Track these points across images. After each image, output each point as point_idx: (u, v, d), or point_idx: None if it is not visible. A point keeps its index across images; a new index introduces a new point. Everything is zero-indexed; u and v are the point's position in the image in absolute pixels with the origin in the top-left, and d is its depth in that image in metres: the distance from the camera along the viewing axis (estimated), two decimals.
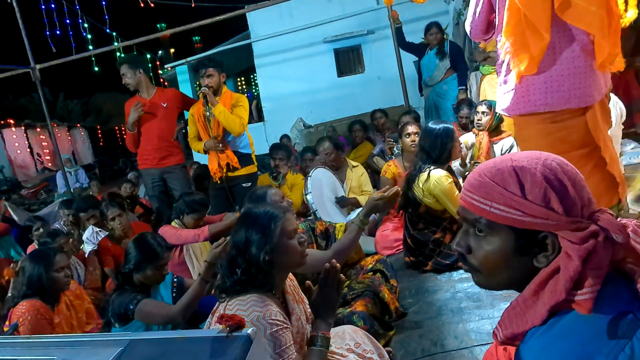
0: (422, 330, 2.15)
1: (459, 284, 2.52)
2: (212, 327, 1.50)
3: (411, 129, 3.52)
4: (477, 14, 2.17)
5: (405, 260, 2.96)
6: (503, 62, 2.16)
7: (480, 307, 2.20)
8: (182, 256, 3.34)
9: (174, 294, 2.51)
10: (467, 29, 2.28)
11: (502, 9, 2.07)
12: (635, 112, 3.76)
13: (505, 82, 2.16)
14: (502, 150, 3.79)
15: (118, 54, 8.48)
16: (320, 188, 3.47)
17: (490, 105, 3.73)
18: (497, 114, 3.82)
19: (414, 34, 6.14)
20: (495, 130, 3.84)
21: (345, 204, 3.65)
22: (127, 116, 3.99)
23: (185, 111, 4.31)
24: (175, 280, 2.58)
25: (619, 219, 0.83)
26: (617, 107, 3.13)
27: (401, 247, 3.18)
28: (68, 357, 0.76)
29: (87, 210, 4.24)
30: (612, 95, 3.02)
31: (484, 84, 4.65)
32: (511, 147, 3.74)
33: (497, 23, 2.19)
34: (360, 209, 3.47)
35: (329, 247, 2.44)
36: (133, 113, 3.89)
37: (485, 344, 1.88)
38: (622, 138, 3.57)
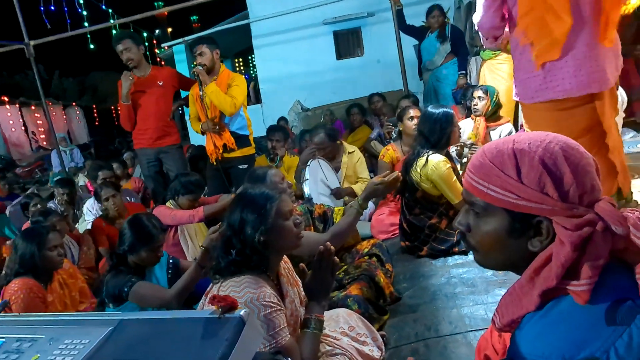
0: (416, 314, 2.15)
1: (454, 269, 2.52)
2: (205, 308, 1.49)
3: (413, 112, 3.48)
4: (488, 6, 2.12)
5: (401, 244, 2.96)
6: (517, 49, 2.13)
7: (475, 292, 2.20)
8: (177, 237, 3.33)
9: (170, 276, 2.50)
10: (477, 22, 2.23)
11: None
12: (634, 101, 3.73)
13: (520, 69, 2.14)
14: (500, 136, 3.77)
15: (114, 31, 8.35)
16: (316, 177, 3.44)
17: (487, 90, 3.69)
18: (495, 100, 3.79)
19: (415, 17, 6.05)
20: (492, 116, 3.81)
21: (340, 195, 3.62)
22: (120, 92, 3.94)
23: (182, 91, 4.26)
24: (170, 261, 2.57)
25: (620, 210, 0.81)
26: (619, 95, 3.10)
27: (397, 231, 3.17)
28: (56, 336, 0.75)
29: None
30: None
31: (484, 69, 4.60)
32: (509, 133, 3.72)
33: (509, 12, 2.15)
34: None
35: (326, 230, 2.43)
36: (125, 82, 3.82)
37: (479, 330, 1.88)
38: (622, 127, 3.55)
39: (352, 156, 3.87)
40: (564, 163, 0.81)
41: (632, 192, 2.47)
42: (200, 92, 3.68)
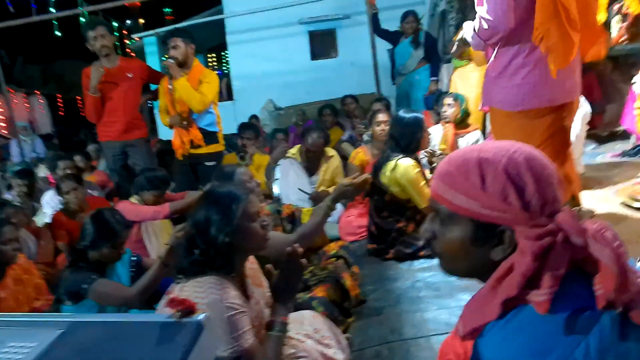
0: (381, 317, 2.16)
1: (420, 273, 2.54)
2: (162, 311, 1.45)
3: (381, 117, 3.51)
4: (504, 3, 2.01)
5: (368, 247, 2.97)
6: (504, 55, 2.13)
7: (439, 296, 2.22)
8: (140, 233, 3.24)
9: (132, 273, 2.43)
10: (491, 20, 2.05)
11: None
12: (595, 114, 3.86)
13: (502, 75, 2.14)
14: (467, 143, 3.84)
15: (82, 19, 8.10)
16: (287, 176, 3.42)
17: (457, 98, 3.76)
18: (464, 108, 3.85)
19: (389, 22, 6.09)
20: (461, 123, 3.88)
21: (319, 199, 3.58)
22: (84, 84, 3.82)
23: (151, 84, 4.17)
24: (133, 258, 2.50)
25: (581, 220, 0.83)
26: (583, 107, 3.21)
27: (365, 233, 3.18)
28: (0, 338, 0.70)
29: None
30: None
31: (455, 76, 4.67)
32: (476, 141, 3.79)
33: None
34: None
35: (294, 231, 2.41)
36: (94, 73, 3.71)
37: (442, 334, 1.90)
38: (584, 139, 3.67)
39: (332, 161, 3.84)
40: (527, 173, 0.82)
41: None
42: (170, 86, 3.61)
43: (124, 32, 12.99)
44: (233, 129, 9.99)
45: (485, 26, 2.06)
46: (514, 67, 2.11)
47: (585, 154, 3.75)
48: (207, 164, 3.78)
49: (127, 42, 13.29)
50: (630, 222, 2.49)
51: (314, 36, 10.07)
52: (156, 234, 3.22)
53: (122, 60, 3.95)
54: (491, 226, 0.84)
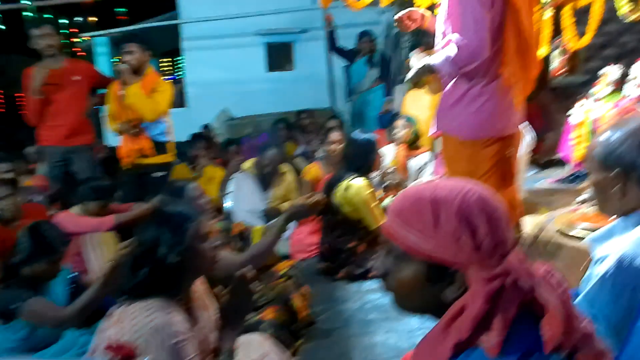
0: (329, 340, 2.15)
1: (369, 294, 2.57)
2: (98, 355, 1.37)
3: (334, 136, 3.56)
4: (484, 31, 2.05)
5: (319, 266, 2.97)
6: (462, 81, 2.17)
7: (388, 319, 2.24)
8: (81, 246, 3.08)
9: (71, 291, 2.29)
10: (473, 48, 2.07)
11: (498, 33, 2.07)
12: (537, 142, 4.06)
13: (458, 103, 2.19)
14: (418, 165, 3.93)
15: (28, 13, 7.73)
16: (240, 191, 3.37)
17: (409, 120, 3.85)
18: (415, 130, 3.96)
19: (346, 40, 6.21)
20: (413, 144, 3.97)
21: (272, 214, 3.56)
22: (25, 85, 3.63)
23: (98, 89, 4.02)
24: (72, 275, 2.36)
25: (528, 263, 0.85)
26: (528, 135, 3.37)
27: (316, 251, 3.18)
28: None
29: None
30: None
31: (408, 97, 4.80)
32: (426, 163, 3.89)
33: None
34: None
35: (244, 250, 2.38)
36: (38, 74, 3.53)
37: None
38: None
39: (286, 176, 3.83)
40: (479, 215, 0.84)
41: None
42: (122, 92, 3.49)
43: (73, 30, 12.43)
44: (185, 137, 9.75)
45: (463, 53, 2.08)
46: (471, 96, 2.16)
47: (527, 179, 3.94)
48: (156, 174, 3.67)
49: (75, 40, 12.75)
50: (567, 250, 2.61)
51: (271, 48, 10.07)
52: (99, 247, 3.07)
53: (68, 62, 3.81)
54: (444, 266, 0.85)
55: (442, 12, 2.26)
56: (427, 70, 2.30)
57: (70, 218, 2.99)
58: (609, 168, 1.20)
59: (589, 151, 1.28)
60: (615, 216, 1.25)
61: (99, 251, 3.09)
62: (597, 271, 1.18)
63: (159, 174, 3.68)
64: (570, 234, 2.72)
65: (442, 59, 2.16)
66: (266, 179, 3.71)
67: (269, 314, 2.12)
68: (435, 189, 0.89)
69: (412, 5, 4.20)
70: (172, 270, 1.48)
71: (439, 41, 2.32)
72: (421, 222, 0.85)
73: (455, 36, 2.10)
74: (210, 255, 1.62)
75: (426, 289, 0.87)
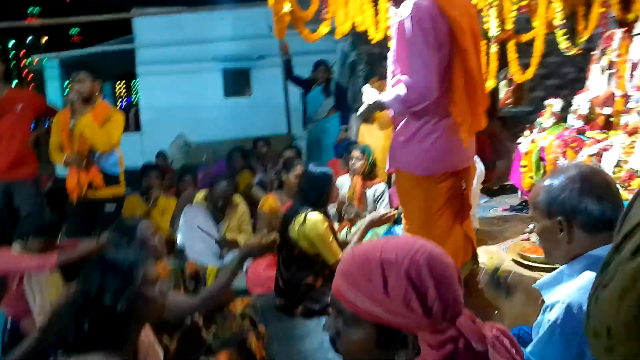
0: None
1: None
2: None
3: (299, 169, 3.53)
4: (435, 66, 2.09)
5: (276, 302, 2.90)
6: (414, 119, 2.21)
7: None
8: (22, 288, 2.88)
9: (6, 339, 2.14)
10: (424, 89, 2.10)
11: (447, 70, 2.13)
12: (487, 170, 4.19)
13: (411, 140, 2.22)
14: (374, 195, 3.96)
15: None
16: (192, 225, 3.28)
17: (364, 151, 3.88)
18: (370, 160, 4.00)
19: (302, 66, 6.27)
20: (369, 175, 4.01)
21: (225, 245, 3.50)
22: None
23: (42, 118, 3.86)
24: (8, 321, 2.20)
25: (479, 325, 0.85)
26: (478, 166, 3.46)
27: (273, 285, 3.11)
28: None
29: None
30: None
31: (363, 126, 4.86)
32: (382, 192, 3.92)
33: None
34: (235, 253, 3.36)
35: (197, 291, 2.29)
36: None
37: None
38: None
39: (238, 208, 3.77)
40: (428, 277, 0.83)
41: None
42: (72, 122, 3.36)
43: (22, 51, 11.97)
44: (139, 162, 9.48)
45: (412, 94, 2.12)
46: (423, 133, 2.21)
47: (479, 207, 4.03)
48: (107, 207, 3.53)
49: (24, 62, 12.27)
50: (523, 279, 2.66)
51: (228, 74, 10.06)
52: (41, 289, 2.88)
53: (11, 90, 3.65)
54: (395, 330, 0.83)
55: (391, 52, 2.31)
56: (377, 106, 2.36)
57: (9, 256, 2.80)
58: (552, 215, 1.24)
59: (531, 200, 1.31)
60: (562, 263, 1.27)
61: (41, 293, 2.89)
62: (548, 318, 1.20)
63: (111, 207, 3.54)
64: (524, 263, 2.80)
65: (392, 98, 2.21)
66: (219, 211, 3.65)
67: (223, 358, 2.03)
68: (384, 250, 0.87)
69: (364, 39, 4.31)
70: (118, 320, 1.40)
71: (389, 79, 2.37)
72: (370, 286, 0.84)
73: (405, 77, 2.15)
74: (159, 301, 1.55)
75: (377, 352, 0.85)
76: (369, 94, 2.45)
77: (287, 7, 3.24)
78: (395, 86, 2.22)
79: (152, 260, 1.58)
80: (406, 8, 2.12)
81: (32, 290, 2.87)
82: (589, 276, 1.16)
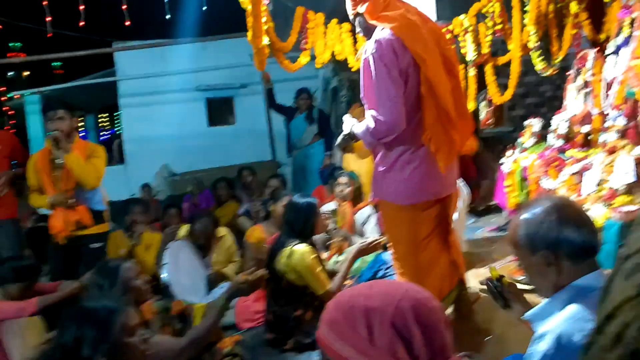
0: None
1: None
2: None
3: (285, 199, 3.53)
4: (400, 100, 2.13)
5: (266, 336, 2.84)
6: (392, 152, 2.23)
7: None
8: (1, 334, 2.79)
9: None
10: (390, 123, 2.14)
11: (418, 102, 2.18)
12: (472, 190, 4.22)
13: (390, 170, 2.24)
14: (361, 218, 3.95)
15: None
16: (177, 261, 3.22)
17: (351, 176, 3.89)
18: (358, 184, 4.00)
19: (285, 93, 6.31)
20: (355, 199, 4.01)
21: (217, 278, 3.46)
22: None
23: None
24: None
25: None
26: (463, 190, 3.48)
27: (262, 319, 3.05)
28: None
29: None
30: None
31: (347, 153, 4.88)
32: (369, 216, 3.91)
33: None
34: (224, 287, 3.31)
35: (185, 331, 2.23)
36: None
37: None
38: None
39: (223, 240, 3.73)
40: (414, 324, 0.82)
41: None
42: (55, 161, 3.28)
43: (2, 87, 11.87)
44: (123, 195, 9.35)
45: (381, 127, 2.16)
46: (402, 162, 2.24)
47: (466, 229, 4.04)
48: (92, 245, 3.44)
49: (4, 99, 12.16)
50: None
51: (211, 103, 10.07)
52: (21, 335, 2.79)
53: None
54: None
55: (361, 88, 2.35)
56: (352, 137, 2.40)
57: None
58: (536, 250, 1.24)
59: (511, 239, 1.32)
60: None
61: (22, 338, 2.80)
62: (538, 349, 1.18)
63: (96, 245, 3.47)
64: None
65: (363, 130, 2.27)
66: (203, 244, 3.63)
67: None
68: (368, 297, 0.86)
69: (345, 65, 4.36)
70: None
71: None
72: (356, 336, 0.82)
73: (372, 111, 2.19)
74: (140, 349, 1.50)
75: None
76: (347, 124, 2.47)
77: (265, 40, 3.28)
78: (365, 120, 2.27)
79: (134, 304, 1.54)
80: (370, 45, 2.19)
81: (12, 336, 2.79)
82: (575, 307, 1.16)
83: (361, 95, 2.34)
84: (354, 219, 3.86)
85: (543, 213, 1.24)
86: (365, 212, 4.01)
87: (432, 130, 2.16)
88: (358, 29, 2.41)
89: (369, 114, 2.21)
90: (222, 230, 3.81)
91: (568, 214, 1.24)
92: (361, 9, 2.26)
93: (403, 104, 2.13)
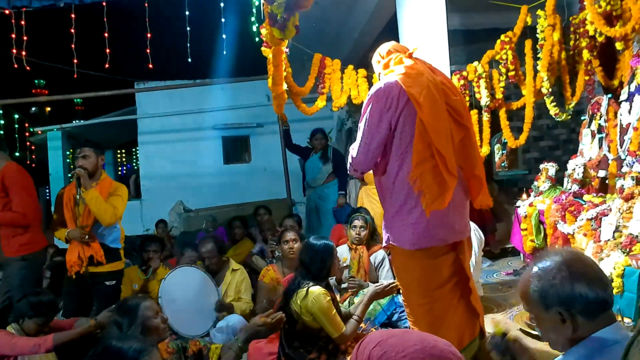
0: None
1: None
2: None
3: (289, 235, 3.58)
4: (372, 148, 2.27)
5: None
6: (398, 195, 2.25)
7: None
8: None
9: None
10: (356, 162, 2.37)
11: (404, 144, 2.23)
12: (488, 234, 4.21)
13: (398, 214, 2.25)
14: (374, 262, 3.91)
15: None
16: (174, 293, 3.27)
17: (366, 219, 3.87)
18: (372, 227, 3.99)
19: (300, 133, 6.43)
20: (370, 241, 3.99)
21: (221, 309, 3.45)
22: None
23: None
24: None
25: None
26: (477, 235, 3.46)
27: None
28: None
29: None
30: (471, 223, 3.36)
31: (361, 192, 4.91)
32: (382, 259, 3.88)
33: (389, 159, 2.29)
34: (229, 319, 3.30)
35: None
36: None
37: None
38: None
39: (236, 274, 3.73)
40: None
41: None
42: (77, 197, 3.38)
43: (26, 125, 12.19)
44: (139, 230, 9.41)
45: (353, 162, 2.40)
46: (409, 207, 2.23)
47: (482, 272, 3.99)
48: (107, 283, 3.49)
49: (27, 134, 12.50)
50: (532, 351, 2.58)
51: (227, 141, 10.27)
52: None
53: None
54: None
55: None
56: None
57: (4, 339, 2.74)
58: (549, 307, 1.22)
59: (522, 294, 1.31)
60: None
61: None
62: None
63: (110, 282, 3.51)
64: (533, 333, 2.72)
65: (348, 161, 2.48)
66: (215, 274, 3.66)
67: None
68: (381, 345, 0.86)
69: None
70: None
71: None
72: None
73: (354, 144, 2.38)
74: None
75: None
76: None
77: (284, 86, 3.39)
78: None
79: (155, 343, 1.55)
80: (374, 87, 2.35)
81: None
82: None
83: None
84: (370, 262, 3.83)
85: (554, 269, 1.23)
86: (379, 255, 3.97)
87: (418, 171, 2.16)
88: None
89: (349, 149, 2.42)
90: (236, 265, 3.82)
91: (579, 269, 1.22)
92: (378, 67, 2.50)
93: (376, 152, 2.28)
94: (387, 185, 2.33)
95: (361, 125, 2.33)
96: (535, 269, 1.28)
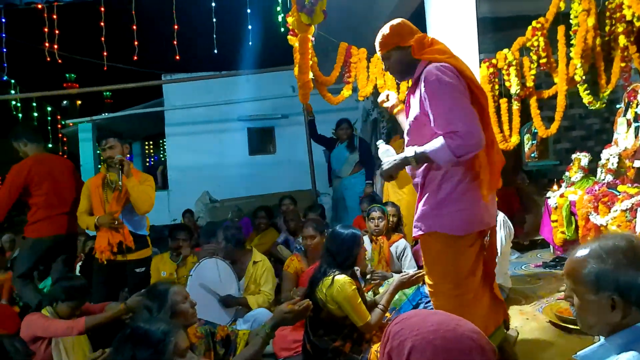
0: None
1: None
2: None
3: (308, 231, 3.58)
4: (477, 121, 2.07)
5: None
6: (447, 181, 2.18)
7: None
8: (49, 351, 2.89)
9: None
10: (466, 131, 2.03)
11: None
12: (516, 225, 4.11)
13: (447, 201, 2.18)
14: (396, 252, 3.89)
15: (14, 103, 7.89)
16: (200, 285, 3.31)
17: (383, 210, 3.84)
18: (392, 217, 3.97)
19: (325, 124, 6.42)
20: (393, 231, 3.97)
21: (231, 303, 3.48)
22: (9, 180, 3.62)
23: None
24: None
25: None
26: (506, 227, 3.39)
27: (300, 348, 3.03)
28: None
29: None
30: (500, 213, 3.30)
31: (387, 183, 4.87)
32: (404, 249, 3.86)
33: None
34: (257, 313, 3.33)
35: (227, 356, 2.25)
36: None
37: None
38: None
39: (258, 266, 3.75)
40: None
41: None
42: (107, 184, 3.47)
43: (57, 117, 12.54)
44: (166, 220, 9.56)
45: (468, 141, 2.03)
46: (459, 192, 2.17)
47: (510, 264, 3.92)
48: (136, 270, 3.58)
49: (59, 126, 12.85)
50: (560, 343, 2.53)
51: (252, 132, 10.33)
52: (68, 351, 2.88)
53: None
54: None
55: (406, 126, 2.35)
56: (404, 163, 2.27)
57: (38, 321, 2.83)
58: (601, 291, 1.15)
59: (572, 272, 1.23)
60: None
61: (69, 356, 2.89)
62: None
63: (140, 269, 3.59)
64: (562, 324, 2.66)
65: (437, 148, 2.08)
66: (237, 265, 3.68)
67: None
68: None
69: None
70: None
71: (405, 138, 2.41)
72: None
73: (448, 129, 2.05)
74: None
75: None
76: (387, 151, 2.47)
77: (310, 75, 3.37)
78: (433, 140, 2.12)
79: (184, 327, 1.58)
80: (429, 74, 2.12)
81: (60, 353, 2.88)
82: (632, 355, 1.08)
83: (407, 131, 2.36)
84: (390, 253, 3.80)
85: (618, 253, 1.15)
86: (400, 245, 3.94)
87: (482, 159, 2.14)
88: (387, 65, 2.39)
89: (441, 134, 2.08)
90: (259, 256, 3.83)
91: None
92: (405, 44, 2.28)
93: (477, 119, 2.07)
94: (436, 172, 2.23)
95: (446, 104, 2.07)
96: (596, 248, 1.19)
